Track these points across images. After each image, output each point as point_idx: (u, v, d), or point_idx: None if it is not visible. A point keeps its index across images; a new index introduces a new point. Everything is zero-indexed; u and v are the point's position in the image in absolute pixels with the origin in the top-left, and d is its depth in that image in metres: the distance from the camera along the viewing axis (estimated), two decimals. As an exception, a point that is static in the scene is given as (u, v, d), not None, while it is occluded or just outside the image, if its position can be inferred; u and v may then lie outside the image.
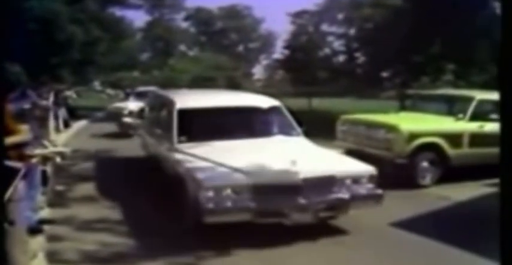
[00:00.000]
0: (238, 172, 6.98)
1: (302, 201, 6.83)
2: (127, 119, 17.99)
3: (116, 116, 19.12)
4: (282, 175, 7.00)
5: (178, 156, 8.11)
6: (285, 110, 9.71)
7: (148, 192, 9.77)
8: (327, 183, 7.17)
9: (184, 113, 8.88)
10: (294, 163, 6.96)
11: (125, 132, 17.92)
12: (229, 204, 6.71)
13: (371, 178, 7.50)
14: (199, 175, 6.98)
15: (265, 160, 7.35)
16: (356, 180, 7.40)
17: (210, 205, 6.63)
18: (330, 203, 7.16)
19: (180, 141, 8.50)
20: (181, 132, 8.61)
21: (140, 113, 17.29)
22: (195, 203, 6.78)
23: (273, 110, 9.64)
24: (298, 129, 9.35)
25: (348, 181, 7.31)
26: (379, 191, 7.49)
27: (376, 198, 7.50)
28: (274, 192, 6.85)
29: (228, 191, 6.76)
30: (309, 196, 6.90)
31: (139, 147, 12.68)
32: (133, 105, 18.81)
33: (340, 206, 7.23)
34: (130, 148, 14.13)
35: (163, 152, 9.17)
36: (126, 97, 27.76)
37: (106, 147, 16.13)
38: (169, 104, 9.61)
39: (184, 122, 8.75)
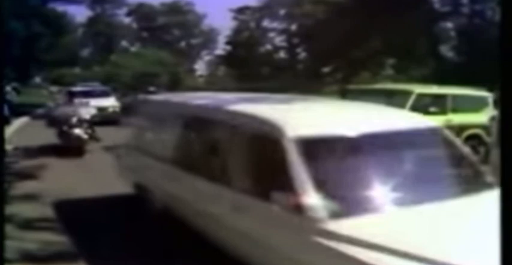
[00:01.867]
0: None
1: None
2: (76, 131, 13.84)
3: (58, 123, 14.59)
4: None
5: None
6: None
7: None
8: None
9: (313, 148, 4.36)
10: None
11: (71, 147, 13.63)
12: None
13: None
14: None
15: None
16: None
17: None
18: None
19: (335, 215, 3.86)
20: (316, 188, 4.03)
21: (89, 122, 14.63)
22: None
23: (435, 136, 5.37)
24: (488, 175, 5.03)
25: None
26: None
27: None
28: None
29: None
30: None
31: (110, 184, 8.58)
32: (85, 111, 15.27)
33: None
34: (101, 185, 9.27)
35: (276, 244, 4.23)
36: (70, 97, 21.82)
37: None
38: (256, 126, 4.91)
39: (315, 166, 4.23)
